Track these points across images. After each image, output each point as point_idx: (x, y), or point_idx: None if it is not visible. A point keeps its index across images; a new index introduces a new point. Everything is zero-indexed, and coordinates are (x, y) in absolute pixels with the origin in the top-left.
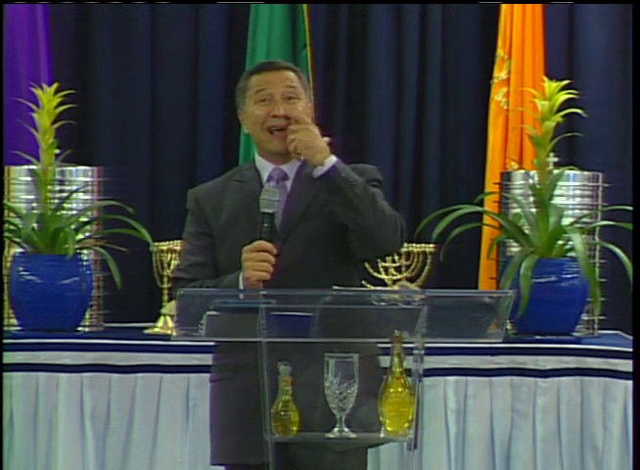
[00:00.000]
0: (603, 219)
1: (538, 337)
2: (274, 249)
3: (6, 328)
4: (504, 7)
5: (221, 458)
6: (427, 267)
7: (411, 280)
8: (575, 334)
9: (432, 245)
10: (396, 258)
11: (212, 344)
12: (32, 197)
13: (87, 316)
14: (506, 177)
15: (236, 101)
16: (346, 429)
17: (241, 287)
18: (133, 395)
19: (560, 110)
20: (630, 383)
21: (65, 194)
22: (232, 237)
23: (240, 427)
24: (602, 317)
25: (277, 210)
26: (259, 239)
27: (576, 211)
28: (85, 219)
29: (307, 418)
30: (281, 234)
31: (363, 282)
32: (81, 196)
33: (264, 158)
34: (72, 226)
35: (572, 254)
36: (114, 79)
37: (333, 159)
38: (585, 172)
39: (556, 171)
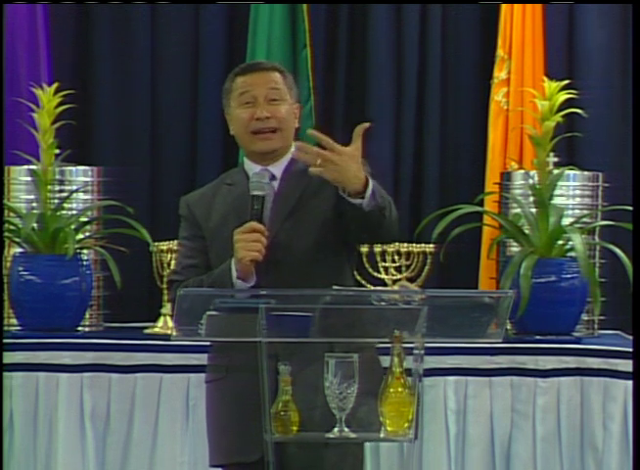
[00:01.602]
0: (603, 219)
1: (538, 337)
2: (265, 230)
3: (6, 328)
4: (504, 7)
5: (218, 459)
6: (427, 267)
7: (411, 280)
8: (575, 334)
9: (432, 245)
10: (396, 257)
11: (208, 344)
12: (32, 197)
13: (87, 316)
14: (506, 177)
15: (222, 103)
16: (346, 429)
17: (233, 270)
18: (133, 395)
19: (560, 110)
20: (630, 383)
21: (65, 194)
22: (222, 238)
23: (234, 426)
24: (602, 317)
25: (268, 192)
26: (250, 221)
27: (576, 211)
28: (85, 219)
29: (307, 418)
30: (269, 231)
31: (363, 282)
32: (81, 196)
33: (251, 159)
34: (72, 226)
35: (572, 254)
36: (114, 79)
37: (369, 186)
38: (585, 172)
39: (556, 171)
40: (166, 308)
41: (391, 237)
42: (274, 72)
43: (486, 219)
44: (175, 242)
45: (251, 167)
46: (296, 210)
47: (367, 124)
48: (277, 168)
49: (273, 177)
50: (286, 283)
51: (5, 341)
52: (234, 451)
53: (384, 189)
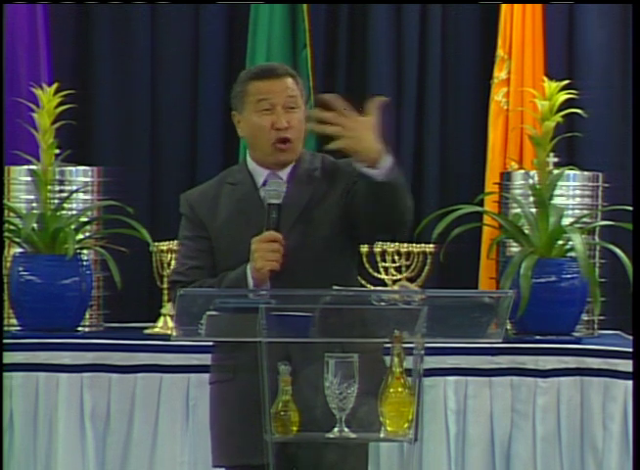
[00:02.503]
0: (603, 219)
1: (538, 337)
2: (283, 239)
3: (6, 328)
4: (504, 7)
5: (222, 460)
6: (427, 267)
7: (411, 280)
8: (575, 334)
9: (432, 245)
10: (396, 257)
11: (212, 344)
12: (32, 197)
13: (87, 316)
14: (506, 177)
15: (232, 102)
16: (346, 429)
17: (249, 278)
18: (133, 395)
19: (560, 110)
20: (630, 383)
21: (65, 194)
22: (228, 239)
23: (240, 428)
24: (602, 317)
25: (282, 201)
26: (267, 229)
27: (576, 211)
28: (85, 219)
29: (307, 418)
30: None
31: (363, 282)
32: (81, 196)
33: (258, 162)
34: (72, 226)
35: (572, 254)
36: (114, 79)
37: (387, 161)
38: (585, 172)
39: (556, 171)
40: (166, 308)
41: (402, 222)
42: (289, 78)
43: (486, 219)
44: (175, 242)
45: (257, 170)
46: (304, 214)
47: (383, 98)
48: (284, 172)
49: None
50: (294, 287)
51: (5, 341)
52: (239, 453)
53: None
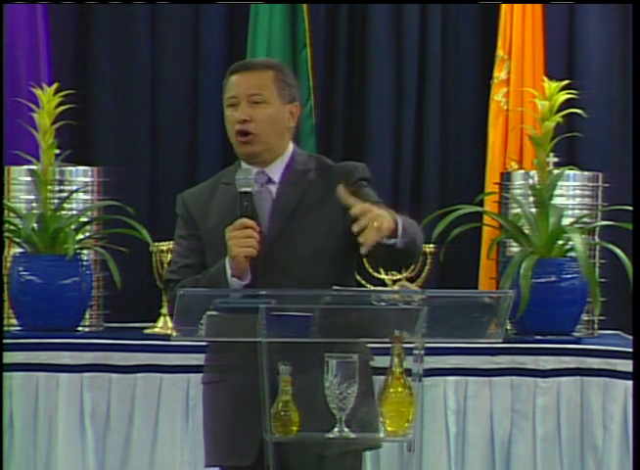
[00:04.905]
0: (603, 219)
1: (538, 337)
2: (257, 225)
3: (6, 328)
4: (504, 7)
5: (213, 460)
6: (427, 267)
7: (411, 280)
8: (575, 334)
9: (432, 245)
10: None
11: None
12: (32, 197)
13: (87, 316)
14: (506, 177)
15: None
16: (346, 429)
17: (228, 269)
18: (133, 395)
19: (560, 110)
20: (630, 383)
21: (65, 194)
22: (220, 239)
23: (230, 429)
24: (602, 317)
25: (256, 188)
26: (240, 217)
27: (576, 212)
28: (85, 219)
29: (307, 418)
30: (268, 237)
31: (363, 282)
32: (81, 196)
33: (245, 161)
34: (72, 226)
35: (572, 254)
36: (114, 79)
37: (399, 224)
38: (585, 172)
39: (556, 171)
40: (166, 308)
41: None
42: (265, 71)
43: (486, 219)
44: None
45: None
46: (295, 215)
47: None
48: (273, 171)
49: (270, 180)
50: (287, 287)
51: (5, 341)
52: (228, 453)
53: (384, 190)
